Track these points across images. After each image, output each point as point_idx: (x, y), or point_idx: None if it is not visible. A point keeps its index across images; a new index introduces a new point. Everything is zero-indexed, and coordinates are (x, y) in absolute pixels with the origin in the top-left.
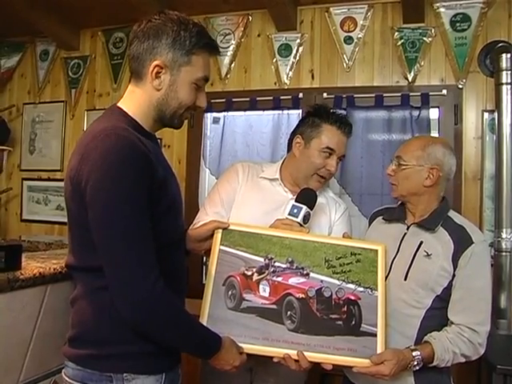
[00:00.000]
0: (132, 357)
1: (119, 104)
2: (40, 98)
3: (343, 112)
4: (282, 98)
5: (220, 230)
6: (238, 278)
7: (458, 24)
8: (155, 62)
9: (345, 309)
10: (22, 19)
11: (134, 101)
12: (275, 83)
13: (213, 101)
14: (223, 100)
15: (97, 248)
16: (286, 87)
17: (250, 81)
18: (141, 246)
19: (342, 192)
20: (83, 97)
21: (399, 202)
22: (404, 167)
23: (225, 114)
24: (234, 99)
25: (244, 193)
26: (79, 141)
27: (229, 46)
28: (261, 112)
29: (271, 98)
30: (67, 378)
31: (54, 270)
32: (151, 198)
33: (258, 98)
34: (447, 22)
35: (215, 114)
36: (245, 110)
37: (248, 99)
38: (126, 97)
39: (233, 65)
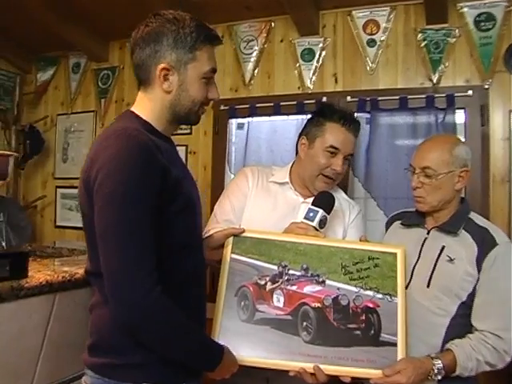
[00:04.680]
0: (149, 366)
1: (132, 109)
2: (72, 108)
3: (367, 115)
4: (305, 102)
5: (231, 238)
6: (251, 288)
7: (482, 23)
8: (161, 66)
9: (363, 317)
10: (55, 34)
11: (146, 106)
12: (299, 88)
13: (237, 107)
14: (247, 106)
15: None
16: (310, 91)
17: (273, 86)
18: (140, 248)
19: (366, 196)
20: (112, 106)
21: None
22: (436, 177)
23: (249, 119)
24: (257, 105)
25: (255, 198)
26: (92, 145)
27: (252, 53)
28: (285, 117)
29: (295, 102)
30: None
31: (63, 277)
32: (164, 197)
33: (281, 103)
34: (471, 22)
35: (239, 120)
36: (269, 115)
37: (272, 104)
38: (138, 103)
39: (256, 71)
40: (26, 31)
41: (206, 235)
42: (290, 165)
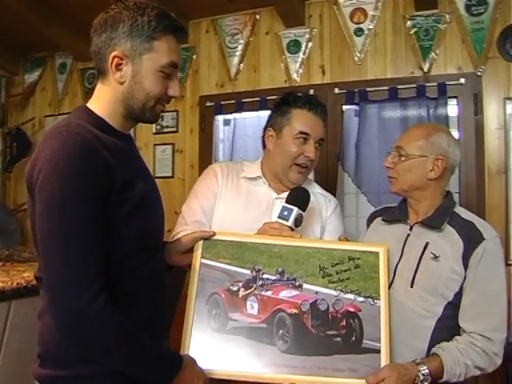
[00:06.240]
0: (98, 379)
1: (88, 103)
2: (60, 109)
3: (356, 107)
4: None
5: (201, 242)
6: (223, 295)
7: (473, 8)
8: (114, 53)
9: (343, 323)
10: (41, 34)
11: (101, 99)
12: (285, 81)
13: (223, 102)
14: (233, 101)
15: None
16: (297, 84)
17: (259, 80)
18: (81, 256)
19: (357, 192)
20: None
21: (400, 201)
22: (405, 158)
23: (235, 115)
24: (243, 100)
25: (225, 197)
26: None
27: (237, 46)
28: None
29: (281, 96)
30: None
31: (18, 284)
32: (112, 198)
33: (267, 98)
34: (462, 7)
35: (226, 116)
36: (255, 110)
37: (258, 99)
38: (94, 95)
39: (242, 65)
40: (12, 33)
41: (174, 238)
42: (260, 159)
